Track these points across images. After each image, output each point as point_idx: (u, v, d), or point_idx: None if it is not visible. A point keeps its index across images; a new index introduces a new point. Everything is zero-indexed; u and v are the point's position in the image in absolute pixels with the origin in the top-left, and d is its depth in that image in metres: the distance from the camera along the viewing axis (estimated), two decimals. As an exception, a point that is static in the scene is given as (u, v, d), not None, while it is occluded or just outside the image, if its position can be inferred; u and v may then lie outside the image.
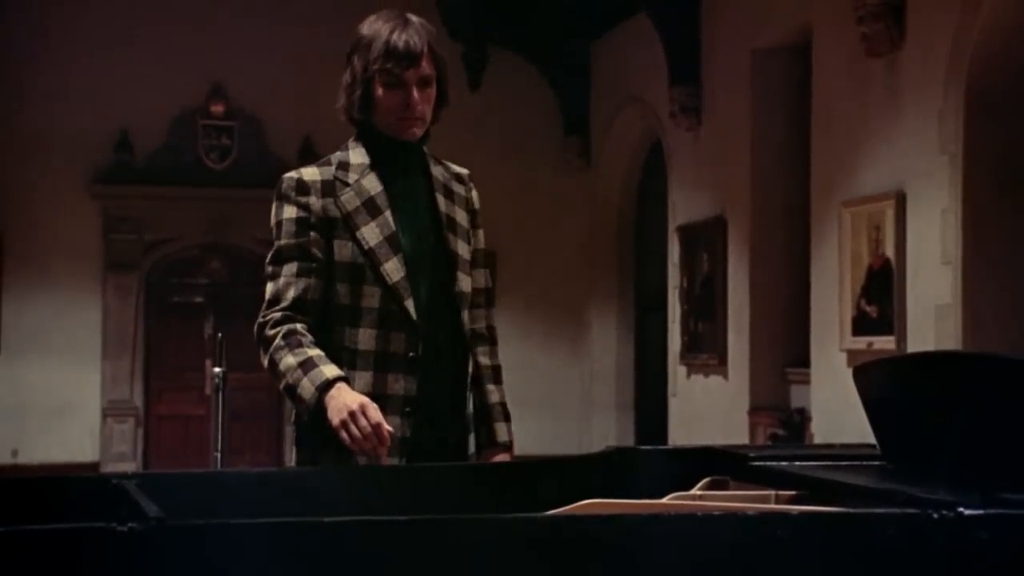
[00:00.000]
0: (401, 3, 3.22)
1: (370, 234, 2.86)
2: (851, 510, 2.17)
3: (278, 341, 2.79)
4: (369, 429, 2.65)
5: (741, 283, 9.50)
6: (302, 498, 2.51)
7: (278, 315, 2.82)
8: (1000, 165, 6.97)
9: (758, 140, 9.41)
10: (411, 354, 2.87)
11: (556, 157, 12.68)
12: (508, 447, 3.07)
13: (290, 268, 2.85)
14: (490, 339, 3.14)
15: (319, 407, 2.69)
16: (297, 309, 2.84)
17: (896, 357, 4.08)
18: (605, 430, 12.26)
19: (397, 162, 2.97)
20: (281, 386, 2.77)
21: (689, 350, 10.33)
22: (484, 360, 3.10)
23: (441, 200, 2.99)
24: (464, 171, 3.13)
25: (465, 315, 2.98)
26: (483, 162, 13.19)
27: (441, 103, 2.97)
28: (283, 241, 2.87)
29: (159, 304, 12.31)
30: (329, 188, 2.89)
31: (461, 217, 3.02)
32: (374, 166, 2.93)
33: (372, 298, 2.86)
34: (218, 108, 12.21)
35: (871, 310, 7.69)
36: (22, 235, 11.78)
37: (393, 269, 2.86)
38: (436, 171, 3.03)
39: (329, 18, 11.91)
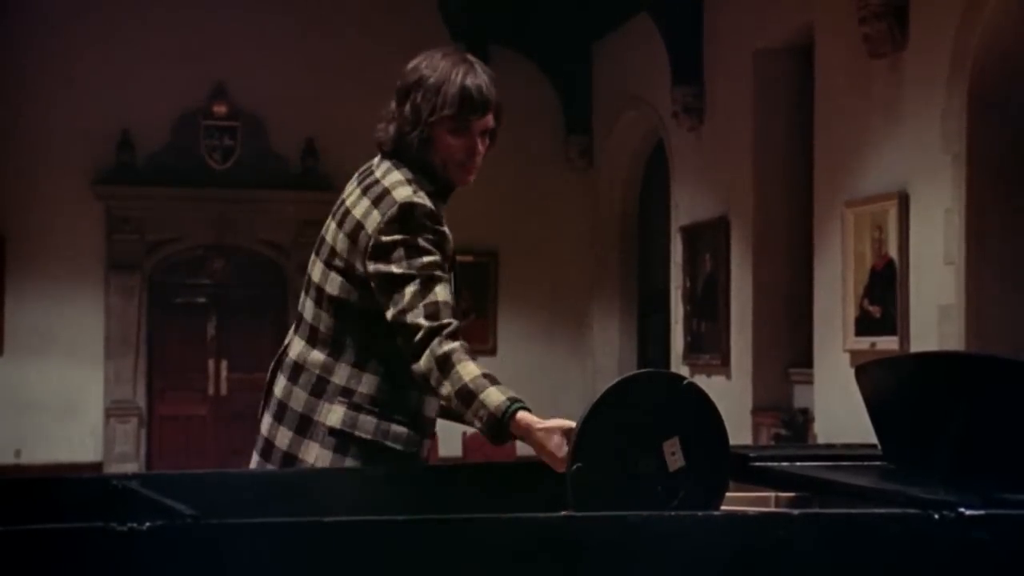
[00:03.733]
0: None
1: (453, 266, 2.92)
2: (852, 511, 2.17)
3: (459, 346, 2.74)
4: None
5: (744, 283, 9.49)
6: (303, 498, 2.51)
7: (456, 324, 2.78)
8: (1003, 165, 6.96)
9: (760, 140, 9.41)
10: None
11: (558, 157, 12.67)
12: None
13: (446, 282, 2.82)
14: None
15: (506, 416, 2.62)
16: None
17: (898, 357, 4.07)
18: (607, 430, 12.23)
19: (442, 202, 2.96)
20: (455, 388, 2.70)
21: (692, 350, 10.33)
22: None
23: None
24: None
25: None
26: (485, 162, 13.14)
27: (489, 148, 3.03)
28: (438, 256, 2.82)
29: (162, 304, 12.29)
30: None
31: None
32: (435, 200, 2.91)
33: None
34: (221, 108, 12.20)
35: (874, 310, 7.69)
36: (25, 236, 11.78)
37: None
38: None
39: (332, 19, 11.91)
